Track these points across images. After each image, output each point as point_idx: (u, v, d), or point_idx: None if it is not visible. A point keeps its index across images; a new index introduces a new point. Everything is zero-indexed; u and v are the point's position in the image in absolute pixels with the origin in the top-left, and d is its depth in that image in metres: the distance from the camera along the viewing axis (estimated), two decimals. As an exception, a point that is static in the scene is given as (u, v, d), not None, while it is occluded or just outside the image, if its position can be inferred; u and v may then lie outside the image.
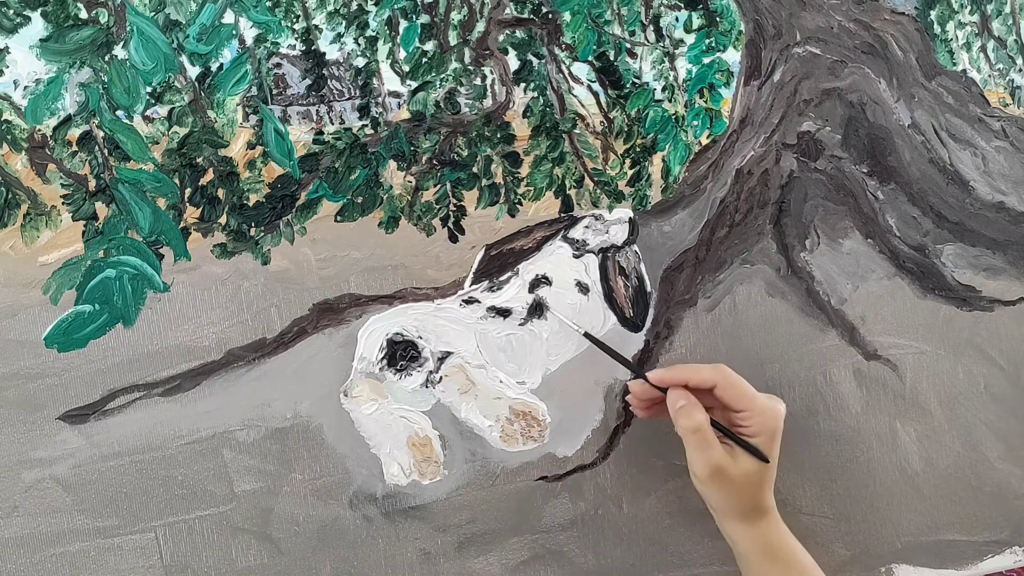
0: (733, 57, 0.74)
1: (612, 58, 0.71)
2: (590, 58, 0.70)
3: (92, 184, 0.60)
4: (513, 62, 0.68)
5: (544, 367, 0.69)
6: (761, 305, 0.74)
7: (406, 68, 0.66)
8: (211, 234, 0.62)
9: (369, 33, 0.65)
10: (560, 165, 0.70)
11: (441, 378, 0.66)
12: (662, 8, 0.72)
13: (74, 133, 0.59)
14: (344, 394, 0.65)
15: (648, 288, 0.72)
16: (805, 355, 0.75)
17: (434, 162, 0.67)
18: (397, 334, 0.66)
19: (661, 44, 0.72)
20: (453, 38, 0.66)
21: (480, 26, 0.67)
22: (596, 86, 0.70)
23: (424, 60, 0.66)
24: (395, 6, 0.65)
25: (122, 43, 0.59)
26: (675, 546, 0.72)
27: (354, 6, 0.64)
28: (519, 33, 0.68)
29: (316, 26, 0.64)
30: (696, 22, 0.73)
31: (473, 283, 0.68)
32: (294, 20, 0.63)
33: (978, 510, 0.79)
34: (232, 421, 0.63)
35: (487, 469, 0.68)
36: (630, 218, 0.71)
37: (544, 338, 0.69)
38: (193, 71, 0.61)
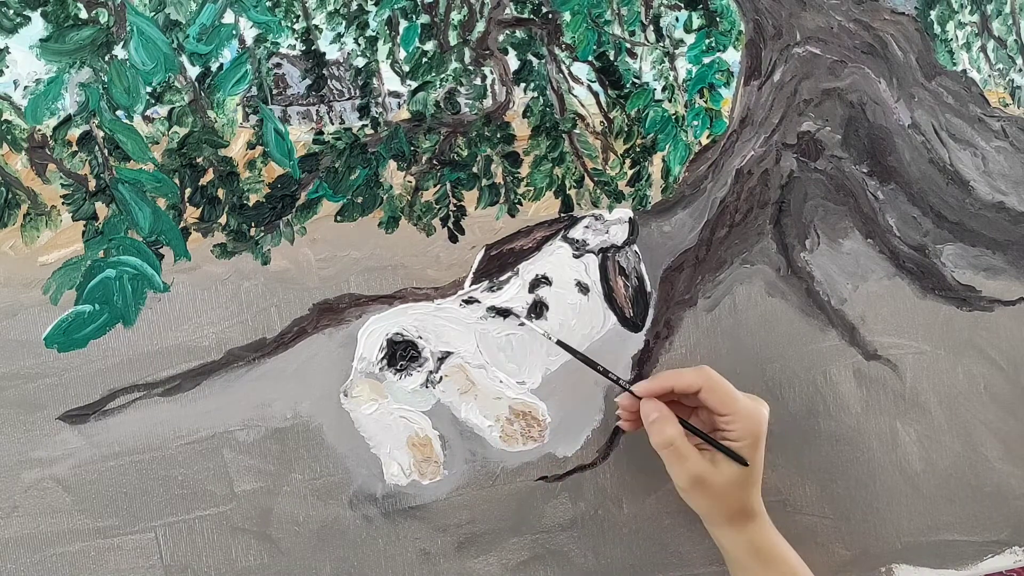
0: (733, 57, 0.74)
1: (612, 58, 0.71)
2: (590, 58, 0.70)
3: (92, 184, 0.60)
4: (513, 62, 0.68)
5: (544, 367, 0.69)
6: (761, 305, 0.74)
7: (406, 68, 0.66)
8: (211, 234, 0.62)
9: (369, 33, 0.65)
10: (560, 165, 0.70)
11: (441, 378, 0.66)
12: (662, 8, 0.72)
13: (74, 133, 0.59)
14: (344, 394, 0.65)
15: (648, 288, 0.72)
16: (805, 355, 0.75)
17: (434, 162, 0.67)
18: (397, 334, 0.66)
19: (661, 44, 0.72)
20: (453, 38, 0.66)
21: (480, 26, 0.67)
22: (596, 86, 0.70)
23: (424, 60, 0.66)
24: (395, 6, 0.65)
25: (122, 43, 0.59)
26: (675, 546, 0.72)
27: (354, 6, 0.64)
28: (519, 33, 0.68)
29: (316, 26, 0.64)
30: (696, 22, 0.73)
31: (473, 283, 0.68)
32: (294, 20, 0.63)
33: (978, 510, 0.79)
34: (232, 421, 0.63)
35: (487, 469, 0.68)
36: (630, 218, 0.71)
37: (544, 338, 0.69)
38: (193, 71, 0.61)
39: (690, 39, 0.73)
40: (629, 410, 0.64)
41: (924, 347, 0.78)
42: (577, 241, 0.70)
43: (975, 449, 0.80)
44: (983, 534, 0.79)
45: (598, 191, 0.71)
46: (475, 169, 0.68)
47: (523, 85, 0.68)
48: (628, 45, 0.71)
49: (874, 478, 0.77)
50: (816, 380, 0.76)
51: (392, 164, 0.66)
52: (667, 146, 0.72)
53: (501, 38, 0.68)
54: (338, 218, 0.65)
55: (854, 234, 0.77)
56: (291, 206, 0.64)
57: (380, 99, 0.65)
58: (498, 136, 0.68)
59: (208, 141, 0.62)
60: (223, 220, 0.62)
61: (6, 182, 0.58)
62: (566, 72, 0.70)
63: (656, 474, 0.71)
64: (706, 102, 0.73)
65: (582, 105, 0.70)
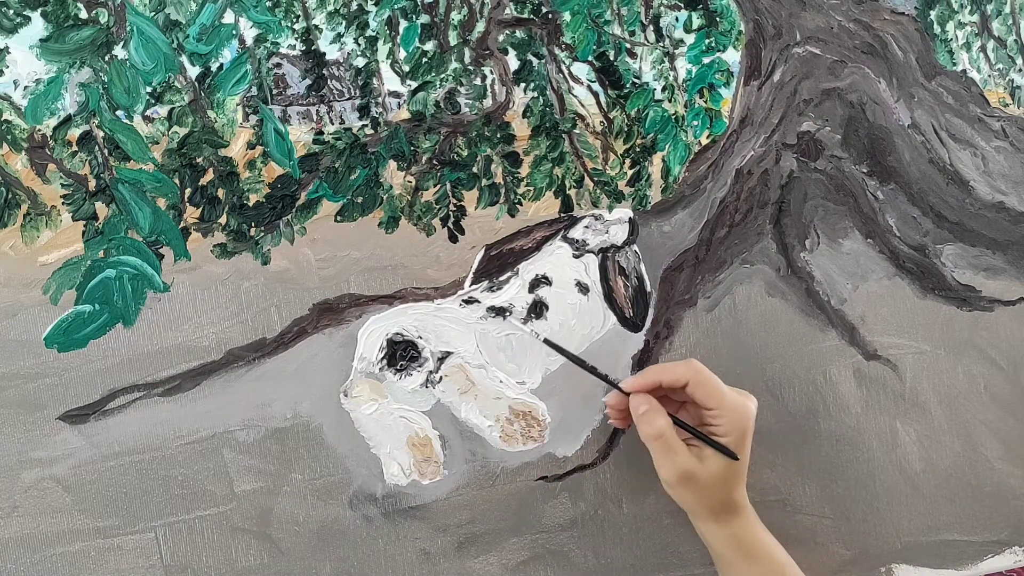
0: (733, 57, 0.74)
1: (612, 58, 0.71)
2: (590, 58, 0.70)
3: (92, 184, 0.60)
4: (513, 62, 0.68)
5: (544, 367, 0.69)
6: (761, 305, 0.74)
7: (406, 68, 0.66)
8: (211, 234, 0.62)
9: (369, 33, 0.65)
10: (560, 165, 0.70)
11: (441, 378, 0.66)
12: (662, 8, 0.72)
13: (74, 133, 0.59)
14: (344, 394, 0.65)
15: (648, 288, 0.72)
16: (805, 355, 0.75)
17: (434, 162, 0.67)
18: (397, 334, 0.66)
19: (661, 44, 0.72)
20: (453, 38, 0.66)
21: (480, 26, 0.67)
22: (596, 86, 0.70)
23: (424, 60, 0.66)
24: (395, 6, 0.65)
25: (122, 43, 0.59)
26: (675, 546, 0.72)
27: (354, 6, 0.64)
28: (519, 33, 0.68)
29: (316, 26, 0.64)
30: (696, 22, 0.73)
31: (473, 283, 0.68)
32: (294, 20, 0.63)
33: (978, 510, 0.79)
34: (232, 421, 0.63)
35: (487, 469, 0.68)
36: (630, 218, 0.71)
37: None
38: (193, 71, 0.61)
39: (690, 39, 0.73)
40: (617, 408, 0.64)
41: (924, 347, 0.78)
42: (577, 241, 0.70)
43: (975, 449, 0.80)
44: (983, 534, 0.79)
45: (598, 191, 0.71)
46: (475, 169, 0.68)
47: (523, 85, 0.68)
48: (628, 45, 0.71)
49: (874, 478, 0.77)
50: (816, 380, 0.76)
51: (392, 164, 0.66)
52: (667, 146, 0.72)
53: (501, 38, 0.68)
54: (338, 218, 0.65)
55: (854, 234, 0.77)
56: (291, 206, 0.64)
57: (380, 99, 0.65)
58: (498, 136, 0.68)
59: (208, 141, 0.62)
60: (223, 220, 0.62)
61: (6, 182, 0.58)
62: (566, 72, 0.70)
63: (656, 474, 0.71)
64: (706, 102, 0.73)
65: (582, 105, 0.70)
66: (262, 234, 0.63)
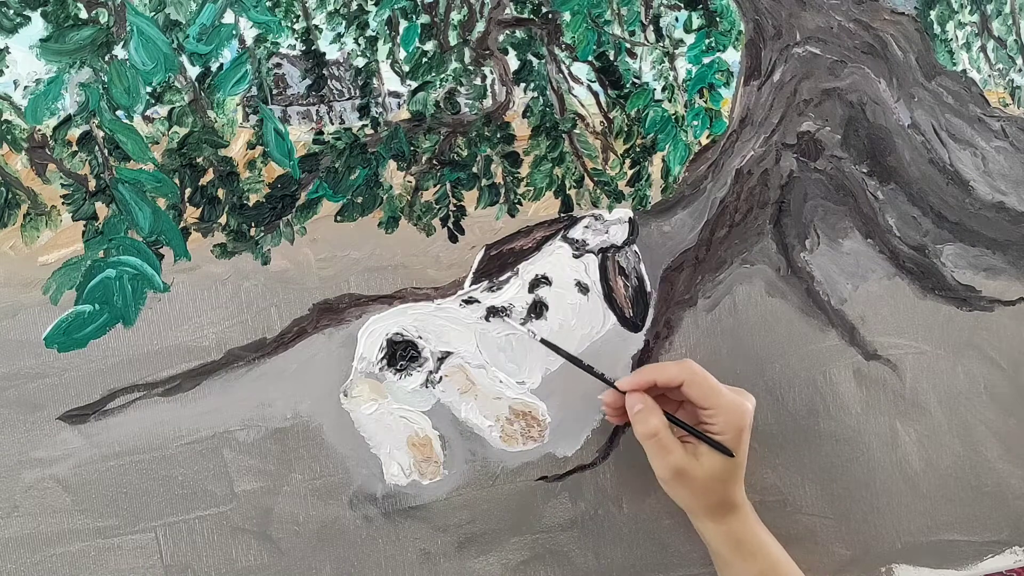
0: (733, 57, 0.74)
1: (612, 58, 0.71)
2: (590, 58, 0.70)
3: (92, 184, 0.60)
4: (513, 62, 0.68)
5: (544, 367, 0.69)
6: (761, 305, 0.74)
7: (406, 68, 0.66)
8: (211, 234, 0.62)
9: (369, 33, 0.65)
10: (560, 165, 0.70)
11: (441, 378, 0.66)
12: (662, 8, 0.72)
13: (74, 133, 0.59)
14: (344, 394, 0.65)
15: (648, 288, 0.72)
16: (805, 355, 0.75)
17: (434, 162, 0.67)
18: (397, 334, 0.66)
19: (661, 44, 0.72)
20: (453, 38, 0.66)
21: (480, 26, 0.67)
22: (596, 86, 0.70)
23: (424, 60, 0.66)
24: (395, 6, 0.65)
25: (122, 43, 0.59)
26: (675, 546, 0.72)
27: (354, 6, 0.64)
28: (519, 33, 0.68)
29: (316, 26, 0.64)
30: (696, 22, 0.73)
31: (473, 283, 0.68)
32: (294, 20, 0.63)
33: (978, 510, 0.79)
34: (232, 421, 0.63)
35: (487, 469, 0.68)
36: (630, 218, 0.71)
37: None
38: (193, 71, 0.61)
39: (690, 39, 0.73)
40: (613, 406, 0.64)
41: (924, 347, 0.78)
42: (577, 241, 0.70)
43: (975, 449, 0.80)
44: (983, 534, 0.79)
45: (598, 191, 0.71)
46: (475, 169, 0.68)
47: (523, 85, 0.68)
48: (628, 45, 0.71)
49: (874, 478, 0.77)
50: (816, 380, 0.76)
51: (392, 164, 0.66)
52: (667, 146, 0.72)
53: (501, 38, 0.68)
54: (338, 218, 0.65)
55: (854, 234, 0.77)
56: (291, 206, 0.64)
57: (380, 99, 0.65)
58: (498, 136, 0.68)
59: (208, 141, 0.62)
60: (223, 220, 0.62)
61: (6, 182, 0.58)
62: (566, 72, 0.70)
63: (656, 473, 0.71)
64: (706, 102, 0.73)
65: (582, 105, 0.70)
66: (262, 234, 0.63)
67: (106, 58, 0.59)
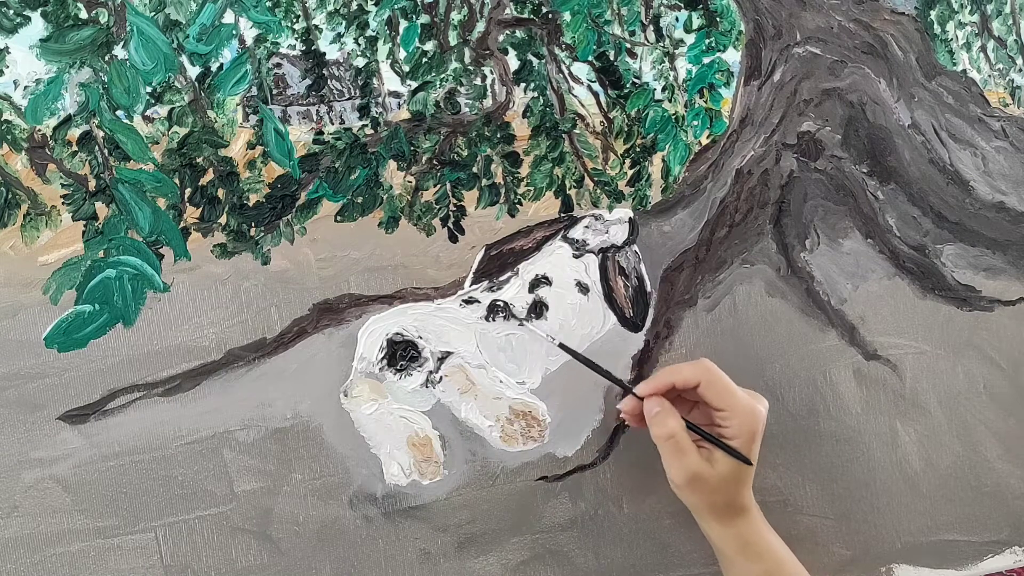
0: (733, 57, 0.74)
1: (612, 58, 0.71)
2: (590, 58, 0.70)
3: (92, 184, 0.60)
4: (513, 62, 0.68)
5: (544, 367, 0.69)
6: (761, 305, 0.74)
7: (406, 68, 0.66)
8: (211, 234, 0.62)
9: (369, 33, 0.65)
10: (560, 165, 0.70)
11: (441, 378, 0.66)
12: (662, 8, 0.72)
13: (74, 133, 0.59)
14: (344, 394, 0.65)
15: (648, 288, 0.72)
16: (805, 355, 0.75)
17: (434, 162, 0.67)
18: (397, 334, 0.66)
19: (661, 44, 0.72)
20: (453, 38, 0.66)
21: (480, 26, 0.67)
22: (596, 86, 0.70)
23: (424, 60, 0.66)
24: (395, 6, 0.65)
25: (122, 43, 0.59)
26: (675, 546, 0.72)
27: (354, 6, 0.64)
28: (519, 33, 0.68)
29: (316, 26, 0.64)
30: (696, 22, 0.73)
31: (473, 283, 0.68)
32: (294, 20, 0.63)
33: (978, 510, 0.79)
34: (232, 421, 0.63)
35: (487, 469, 0.68)
36: (630, 218, 0.71)
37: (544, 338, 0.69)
38: (193, 71, 0.61)
39: (690, 39, 0.73)
40: (631, 412, 0.64)
41: (924, 347, 0.78)
42: (577, 241, 0.70)
43: (975, 449, 0.80)
44: (983, 534, 0.79)
45: (598, 191, 0.71)
46: (475, 169, 0.68)
47: (523, 85, 0.68)
48: (628, 45, 0.71)
49: (874, 478, 0.77)
50: (816, 380, 0.76)
51: (392, 164, 0.66)
52: (667, 146, 0.72)
53: (501, 38, 0.68)
54: (338, 218, 0.65)
55: (854, 234, 0.77)
56: (291, 206, 0.64)
57: (380, 99, 0.65)
58: (498, 136, 0.68)
59: (208, 141, 0.62)
60: (223, 220, 0.62)
61: (6, 182, 0.58)
62: (566, 72, 0.70)
63: (656, 474, 0.71)
64: (706, 102, 0.73)
65: (582, 105, 0.70)
66: (262, 234, 0.63)
67: (106, 58, 0.59)
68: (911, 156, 0.79)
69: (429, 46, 0.66)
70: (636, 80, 0.71)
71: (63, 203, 0.59)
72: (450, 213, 0.67)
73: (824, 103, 0.76)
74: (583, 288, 0.70)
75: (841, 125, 0.77)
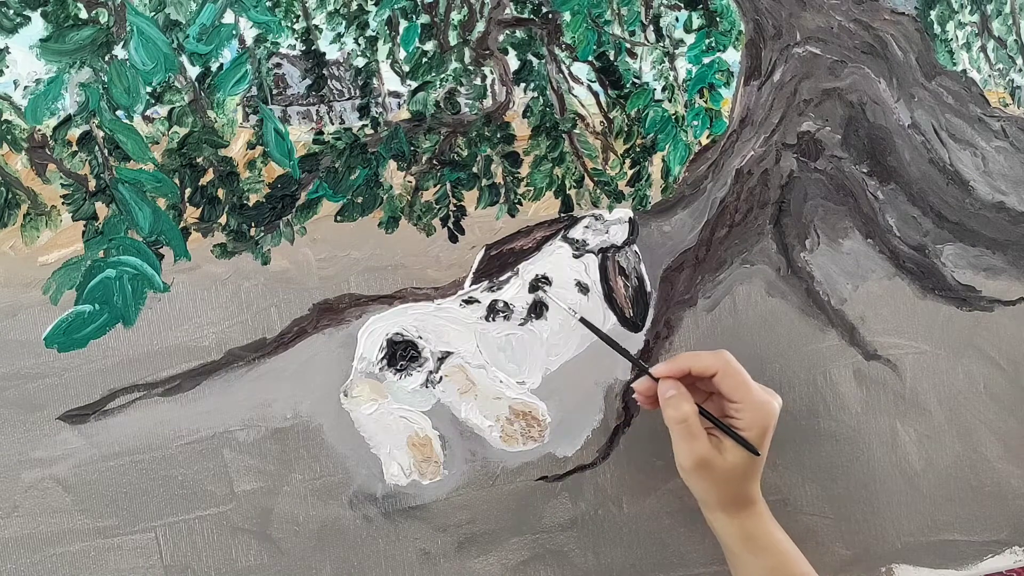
0: (733, 57, 0.74)
1: (612, 58, 0.71)
2: (590, 58, 0.70)
3: (92, 184, 0.60)
4: (513, 62, 0.68)
5: (544, 367, 0.69)
6: (761, 305, 0.74)
7: (406, 68, 0.66)
8: (211, 234, 0.62)
9: (369, 33, 0.65)
10: (560, 165, 0.70)
11: (441, 378, 0.66)
12: (662, 8, 0.72)
13: (74, 133, 0.59)
14: (344, 394, 0.65)
15: (648, 288, 0.72)
16: (805, 355, 0.75)
17: (434, 162, 0.67)
18: (397, 334, 0.66)
19: (661, 44, 0.72)
20: (453, 38, 0.66)
21: (480, 26, 0.67)
22: (596, 86, 0.70)
23: (424, 60, 0.66)
24: (395, 6, 0.65)
25: (122, 43, 0.59)
26: (675, 546, 0.72)
27: (354, 6, 0.64)
28: (519, 33, 0.68)
29: (316, 26, 0.64)
30: (696, 22, 0.73)
31: (473, 283, 0.68)
32: (294, 20, 0.63)
33: (978, 510, 0.79)
34: (232, 421, 0.63)
35: (487, 469, 0.68)
36: (630, 218, 0.71)
37: (544, 338, 0.69)
38: (193, 71, 0.61)
39: (690, 39, 0.73)
40: (645, 393, 0.65)
41: (924, 347, 0.78)
42: (577, 241, 0.70)
43: (975, 449, 0.80)
44: (983, 534, 0.79)
45: (598, 191, 0.71)
46: (475, 169, 0.68)
47: (523, 85, 0.68)
48: (628, 45, 0.71)
49: (874, 478, 0.77)
50: (816, 380, 0.76)
51: (392, 164, 0.66)
52: (667, 146, 0.72)
53: (501, 38, 0.68)
54: (338, 218, 0.65)
55: (854, 234, 0.77)
56: (291, 206, 0.64)
57: (380, 99, 0.65)
58: (498, 136, 0.68)
59: (208, 141, 0.62)
60: (223, 220, 0.62)
61: (6, 182, 0.58)
62: (566, 72, 0.70)
63: (656, 474, 0.71)
64: (706, 102, 0.73)
65: (582, 105, 0.70)
66: (262, 234, 0.63)
67: (106, 58, 0.59)
68: (911, 156, 0.79)
69: (429, 46, 0.66)
70: (636, 80, 0.71)
71: (63, 203, 0.59)
72: (450, 213, 0.67)
73: (824, 103, 0.76)
74: (583, 288, 0.70)
75: (841, 125, 0.77)
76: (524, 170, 0.69)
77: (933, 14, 0.79)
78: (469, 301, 0.68)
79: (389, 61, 0.65)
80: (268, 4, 0.62)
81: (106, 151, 0.60)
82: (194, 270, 0.62)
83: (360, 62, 0.65)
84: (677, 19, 0.72)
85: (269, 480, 0.64)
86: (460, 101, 0.67)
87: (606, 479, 0.70)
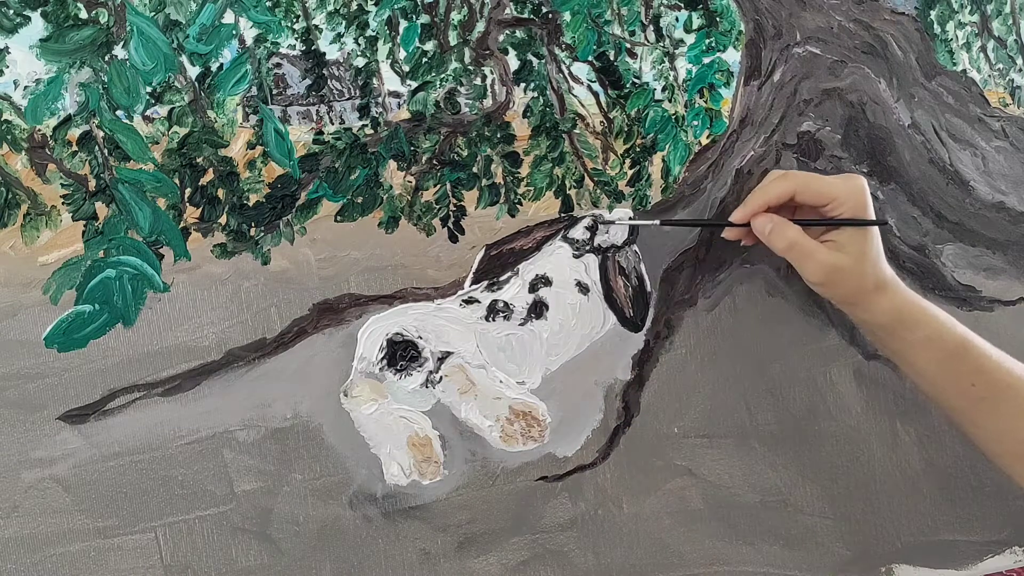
0: (733, 57, 0.74)
1: (612, 58, 0.71)
2: (590, 58, 0.70)
3: (92, 184, 0.60)
4: (513, 62, 0.68)
5: (544, 367, 0.69)
6: (761, 305, 0.74)
7: (406, 68, 0.66)
8: (211, 234, 0.62)
9: (369, 33, 0.65)
10: (560, 165, 0.70)
11: (441, 378, 0.66)
12: (662, 8, 0.72)
13: (74, 133, 0.59)
14: (344, 394, 0.65)
15: (648, 288, 0.72)
16: (805, 355, 0.75)
17: (434, 162, 0.67)
18: (397, 334, 0.66)
19: (661, 44, 0.72)
20: (453, 38, 0.66)
21: (480, 26, 0.67)
22: (596, 86, 0.70)
23: (424, 60, 0.66)
24: (395, 6, 0.65)
25: (122, 43, 0.59)
26: (675, 546, 0.72)
27: (354, 6, 0.64)
28: (519, 33, 0.68)
29: (316, 26, 0.64)
30: (696, 22, 0.73)
31: (473, 283, 0.68)
32: (294, 20, 0.63)
33: (978, 510, 0.79)
34: (232, 421, 0.63)
35: (487, 469, 0.68)
36: (630, 218, 0.71)
37: (544, 338, 0.69)
38: (193, 71, 0.61)
39: (690, 39, 0.73)
40: (736, 237, 0.66)
41: (924, 347, 0.78)
42: (577, 241, 0.70)
43: (975, 449, 0.80)
44: (983, 534, 0.79)
45: (598, 191, 0.71)
46: (475, 169, 0.68)
47: (523, 85, 0.68)
48: (628, 45, 0.71)
49: (874, 478, 0.77)
50: (816, 380, 0.76)
51: (392, 164, 0.66)
52: (667, 146, 0.72)
53: (501, 38, 0.68)
54: (338, 218, 0.65)
55: (854, 234, 0.77)
56: (291, 206, 0.64)
57: (380, 99, 0.65)
58: (498, 136, 0.68)
59: (208, 141, 0.62)
60: (223, 220, 0.62)
61: (6, 182, 0.58)
62: (566, 72, 0.70)
63: (656, 474, 0.71)
64: (706, 102, 0.73)
65: (582, 105, 0.70)
66: (262, 234, 0.63)
67: (106, 58, 0.59)
68: (911, 156, 0.79)
69: (429, 46, 0.66)
70: (636, 80, 0.71)
71: (63, 203, 0.59)
72: (450, 213, 0.67)
73: (824, 103, 0.76)
74: (583, 288, 0.70)
75: (841, 125, 0.77)
76: (524, 170, 0.69)
77: (933, 14, 0.79)
78: (469, 301, 0.68)
79: (389, 61, 0.65)
80: (268, 4, 0.62)
81: (106, 151, 0.60)
82: (194, 270, 0.62)
83: (360, 62, 0.65)
84: (677, 19, 0.72)
85: (269, 480, 0.64)
86: (460, 101, 0.67)
87: (606, 479, 0.70)
